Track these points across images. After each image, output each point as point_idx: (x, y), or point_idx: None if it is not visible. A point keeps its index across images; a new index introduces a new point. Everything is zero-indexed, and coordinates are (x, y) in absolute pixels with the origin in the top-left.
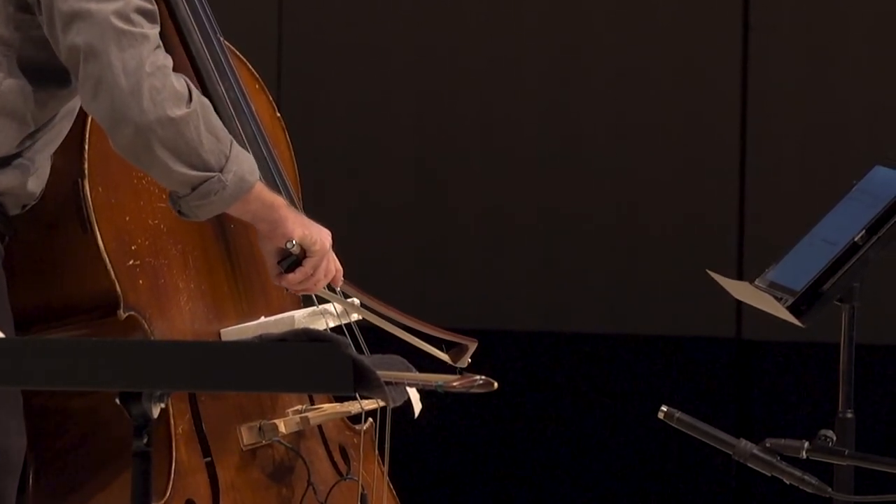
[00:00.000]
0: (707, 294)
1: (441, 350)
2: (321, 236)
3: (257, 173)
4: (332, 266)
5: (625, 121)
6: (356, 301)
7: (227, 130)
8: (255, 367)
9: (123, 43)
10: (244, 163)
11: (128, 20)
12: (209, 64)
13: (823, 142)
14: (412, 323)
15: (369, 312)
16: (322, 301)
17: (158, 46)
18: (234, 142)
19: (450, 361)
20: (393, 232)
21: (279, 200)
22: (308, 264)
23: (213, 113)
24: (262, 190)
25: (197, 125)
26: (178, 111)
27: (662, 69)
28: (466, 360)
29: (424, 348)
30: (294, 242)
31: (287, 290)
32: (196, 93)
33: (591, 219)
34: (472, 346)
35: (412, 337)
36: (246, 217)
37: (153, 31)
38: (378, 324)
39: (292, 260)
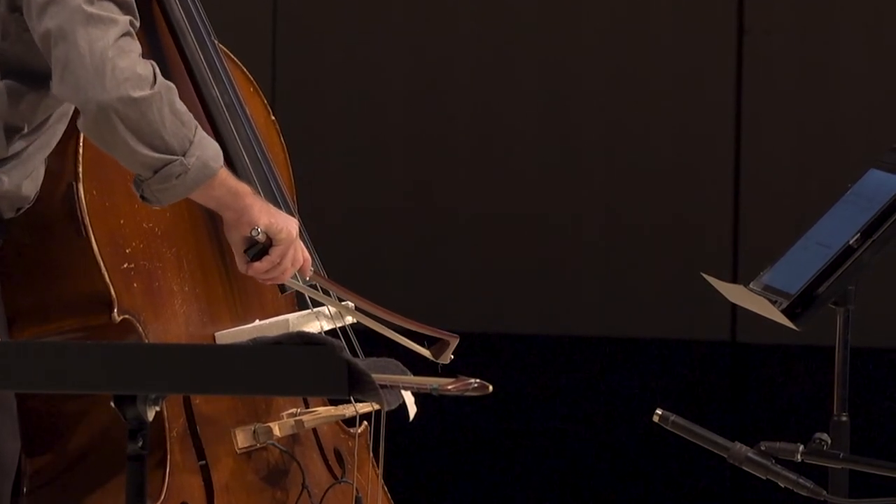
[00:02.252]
0: (702, 297)
1: (423, 346)
2: (287, 224)
3: (221, 160)
4: (300, 255)
5: (620, 124)
6: (350, 304)
7: (192, 116)
8: (250, 370)
9: (90, 25)
10: (208, 148)
11: (97, 5)
12: (203, 67)
13: (818, 145)
14: (392, 317)
15: (359, 313)
16: (316, 304)
17: (128, 34)
18: (200, 128)
19: (431, 357)
20: (387, 234)
21: (244, 188)
22: (275, 252)
23: (178, 98)
24: (227, 177)
25: (160, 107)
26: (141, 92)
27: (658, 72)
28: (448, 357)
29: (405, 343)
30: (259, 230)
31: (263, 281)
32: (161, 78)
33: (585, 222)
34: (454, 342)
35: (392, 332)
36: (210, 204)
37: (123, 17)
38: (359, 318)
39: (259, 248)
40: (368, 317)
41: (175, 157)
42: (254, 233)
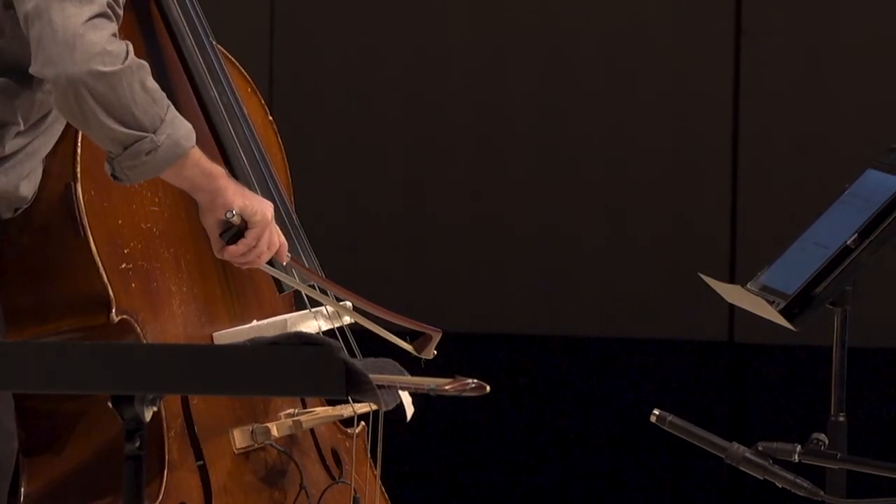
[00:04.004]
0: (699, 297)
1: (406, 341)
2: (262, 207)
3: (193, 140)
4: (276, 238)
5: (617, 124)
6: (348, 304)
7: (165, 95)
8: (248, 370)
9: (66, 2)
10: (180, 128)
11: None
12: (202, 67)
13: (815, 145)
14: (375, 310)
15: (352, 310)
16: (314, 304)
17: (104, 14)
18: (172, 106)
19: (414, 352)
20: (384, 235)
21: (218, 170)
22: (250, 235)
23: (151, 77)
24: (200, 158)
25: (130, 82)
26: (111, 67)
27: (655, 72)
28: (432, 351)
29: (387, 337)
30: (234, 212)
31: (239, 265)
32: (133, 56)
33: (583, 222)
34: (437, 337)
35: (375, 326)
36: (184, 186)
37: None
38: (338, 309)
39: (234, 231)
40: (355, 311)
41: (145, 135)
42: (228, 215)
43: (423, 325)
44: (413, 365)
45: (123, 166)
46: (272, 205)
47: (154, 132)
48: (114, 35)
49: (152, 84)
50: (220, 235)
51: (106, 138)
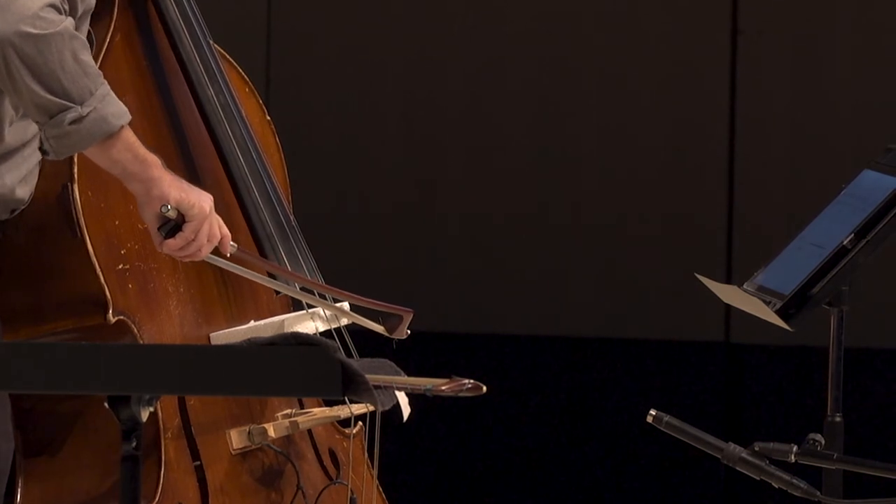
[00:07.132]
0: (696, 297)
1: (377, 321)
2: (200, 200)
3: (125, 121)
4: (217, 230)
5: (614, 124)
6: (345, 305)
7: (101, 73)
8: (245, 370)
9: None
10: (111, 105)
11: None
12: (199, 67)
13: (812, 145)
14: (339, 294)
15: (320, 297)
16: (311, 305)
17: None
18: (107, 85)
19: (385, 333)
20: (382, 235)
21: (153, 159)
22: (187, 229)
23: (88, 52)
24: (133, 143)
25: (60, 49)
26: (41, 30)
27: (652, 73)
28: (404, 331)
29: (359, 322)
30: (169, 207)
31: (180, 258)
32: (70, 28)
33: (579, 222)
34: (408, 317)
35: (348, 312)
36: (116, 171)
37: None
38: (312, 301)
39: (171, 225)
40: (305, 291)
41: (71, 105)
42: (164, 209)
43: (392, 307)
44: (407, 363)
45: (49, 136)
46: (211, 196)
47: (81, 104)
48: (54, 7)
49: (87, 58)
50: (158, 230)
51: (32, 104)
